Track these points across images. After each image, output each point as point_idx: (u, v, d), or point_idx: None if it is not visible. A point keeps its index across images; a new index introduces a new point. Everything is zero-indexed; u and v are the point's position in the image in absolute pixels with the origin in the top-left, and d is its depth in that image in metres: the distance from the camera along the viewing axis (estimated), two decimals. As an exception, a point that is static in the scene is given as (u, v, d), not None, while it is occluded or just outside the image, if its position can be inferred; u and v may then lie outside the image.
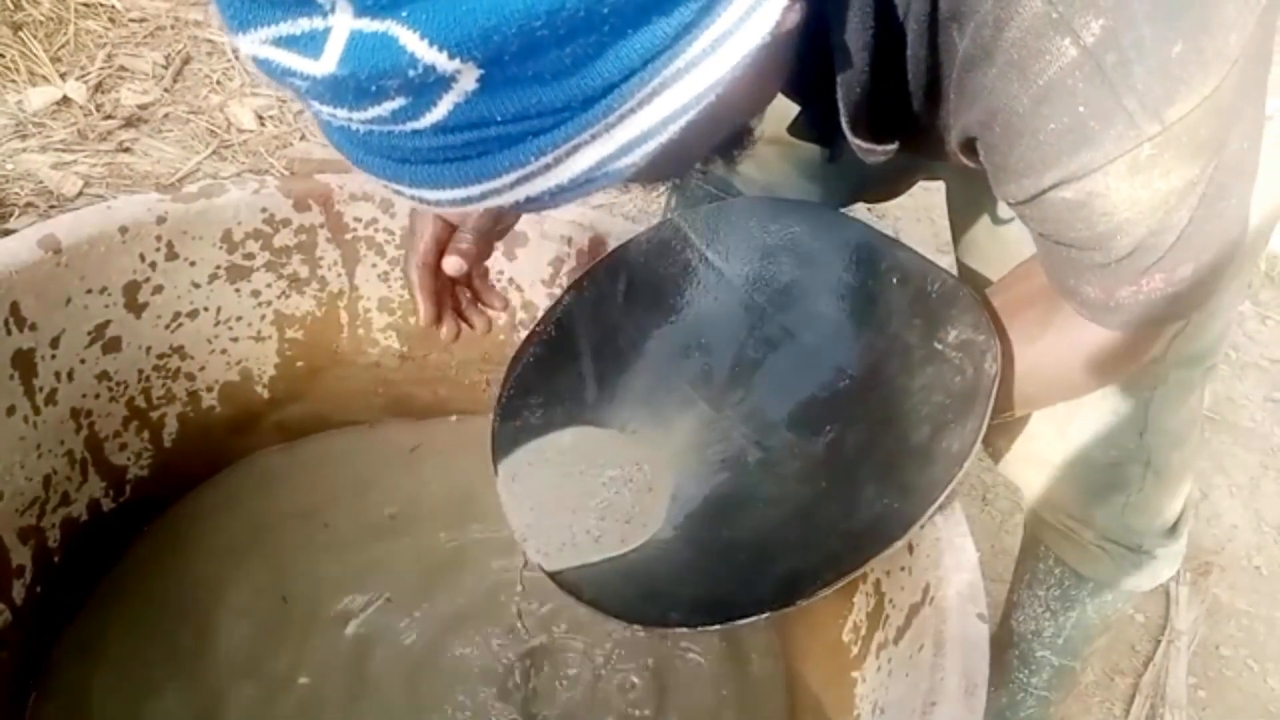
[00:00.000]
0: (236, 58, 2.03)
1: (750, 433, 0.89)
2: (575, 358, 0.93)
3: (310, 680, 0.97)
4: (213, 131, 1.87)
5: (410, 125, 0.40)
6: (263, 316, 1.11)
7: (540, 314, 0.99)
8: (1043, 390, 0.78)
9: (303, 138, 1.88)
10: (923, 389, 0.81)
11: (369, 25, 0.36)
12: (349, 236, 1.11)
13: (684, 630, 0.78)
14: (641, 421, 0.91)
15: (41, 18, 1.94)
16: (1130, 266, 0.62)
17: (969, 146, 0.64)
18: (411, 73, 0.37)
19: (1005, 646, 1.13)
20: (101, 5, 2.03)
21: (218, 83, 1.97)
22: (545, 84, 0.38)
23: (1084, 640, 1.08)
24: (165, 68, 1.97)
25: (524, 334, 1.10)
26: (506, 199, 0.43)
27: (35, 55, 1.87)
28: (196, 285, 1.05)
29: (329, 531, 1.10)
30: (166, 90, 1.93)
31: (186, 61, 2.01)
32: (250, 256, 1.07)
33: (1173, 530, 0.99)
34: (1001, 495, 1.60)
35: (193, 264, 1.03)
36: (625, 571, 0.82)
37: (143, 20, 2.05)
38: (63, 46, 1.93)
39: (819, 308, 0.90)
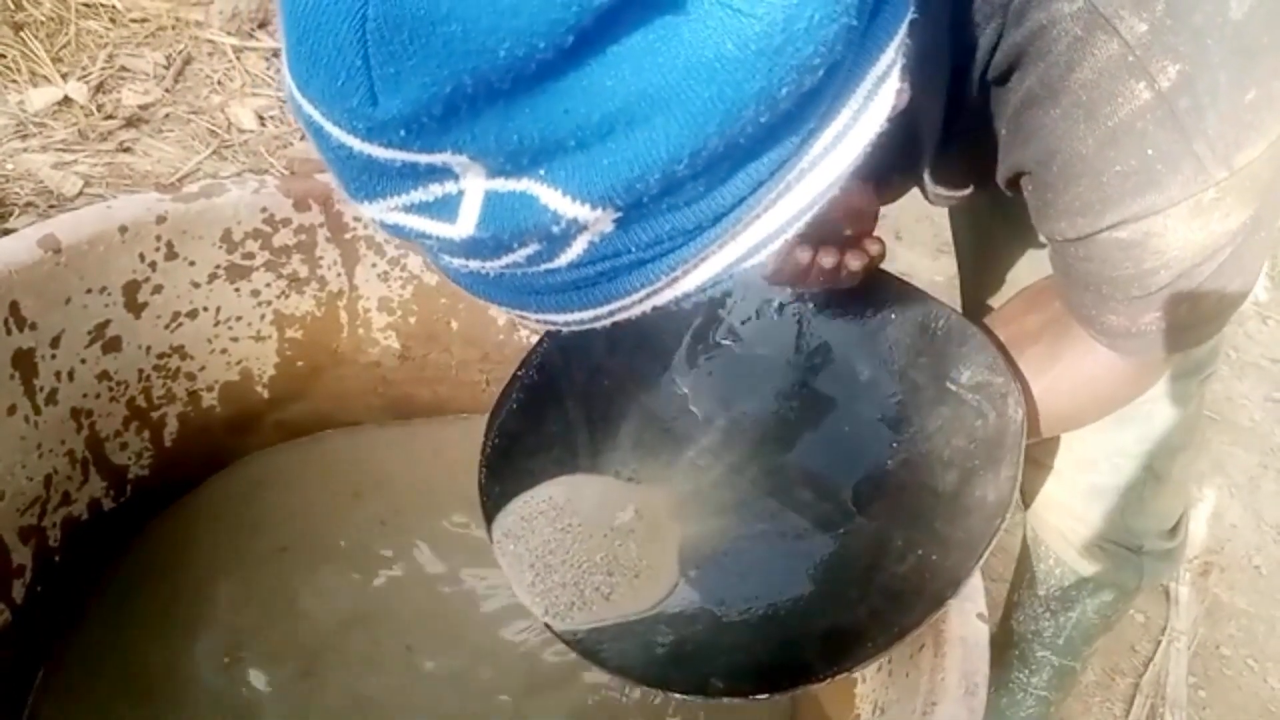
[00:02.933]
0: (238, 58, 2.02)
1: (754, 477, 0.86)
2: (560, 402, 0.89)
3: (313, 679, 0.96)
4: (213, 131, 1.87)
5: (545, 266, 0.40)
6: (262, 316, 1.10)
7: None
8: (1054, 421, 0.77)
9: (303, 138, 1.84)
10: (940, 431, 0.79)
11: (504, 185, 0.36)
12: (348, 236, 1.10)
13: (735, 701, 0.71)
14: (637, 467, 0.87)
15: (43, 18, 1.94)
16: (1160, 297, 0.62)
17: (1014, 183, 0.64)
18: (555, 228, 0.37)
19: (1005, 646, 1.12)
20: (103, 5, 2.02)
21: (219, 83, 1.97)
22: (678, 210, 0.39)
23: (1084, 640, 1.08)
24: (166, 68, 1.96)
25: (524, 333, 1.13)
26: (634, 312, 0.44)
27: (36, 55, 1.87)
28: (196, 285, 1.04)
29: (329, 531, 1.09)
30: (167, 90, 1.93)
31: (188, 62, 2.00)
32: (250, 256, 1.06)
33: (1172, 531, 0.99)
34: (1002, 495, 1.58)
35: (192, 264, 1.02)
36: (646, 633, 0.77)
37: (144, 20, 2.04)
38: (64, 46, 1.92)
39: (816, 346, 0.87)
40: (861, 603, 0.74)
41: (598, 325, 0.44)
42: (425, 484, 1.15)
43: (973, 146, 0.65)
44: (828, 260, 0.75)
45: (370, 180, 0.37)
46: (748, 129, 0.36)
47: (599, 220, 0.37)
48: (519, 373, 0.88)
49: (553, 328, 0.45)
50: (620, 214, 0.37)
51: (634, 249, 0.39)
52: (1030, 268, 0.89)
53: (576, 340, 0.88)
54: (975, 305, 0.98)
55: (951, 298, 0.97)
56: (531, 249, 0.38)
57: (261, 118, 1.92)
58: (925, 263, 1.97)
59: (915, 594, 0.71)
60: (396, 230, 0.39)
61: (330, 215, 1.08)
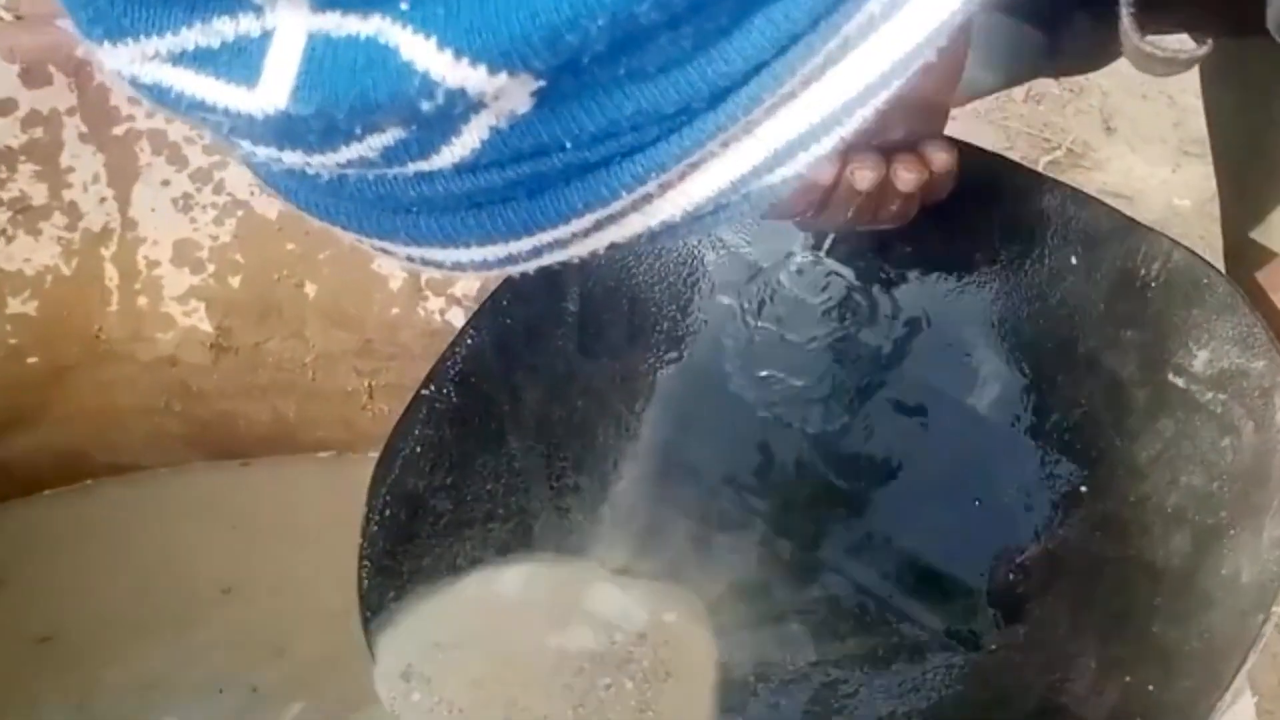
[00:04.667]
0: None
1: (825, 558, 0.74)
2: (499, 439, 0.77)
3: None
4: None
5: (415, 167, 0.27)
6: (-41, 276, 0.93)
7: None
8: None
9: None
10: (1159, 462, 0.67)
11: (339, 26, 0.24)
12: (120, 130, 0.87)
13: None
14: (633, 549, 0.77)
15: None
16: None
17: None
18: (426, 103, 0.25)
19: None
20: None
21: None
22: (647, 81, 0.26)
23: None
24: None
25: (434, 304, 0.95)
26: (574, 252, 0.30)
27: None
28: None
29: (59, 652, 0.88)
30: None
31: None
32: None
33: None
34: None
35: None
36: None
37: None
38: None
39: (939, 318, 0.75)
40: None
41: (513, 270, 0.30)
42: (271, 580, 0.92)
43: None
44: (863, 177, 0.62)
45: (115, 4, 0.26)
46: None
47: (505, 92, 0.25)
48: (426, 391, 0.77)
49: (437, 270, 0.31)
50: (542, 83, 0.25)
51: (569, 144, 0.27)
52: None
53: (525, 333, 0.79)
54: (1243, 248, 0.80)
55: (1205, 234, 0.82)
56: (389, 136, 0.26)
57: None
58: (1159, 174, 1.60)
59: None
60: (158, 95, 0.27)
61: (87, 95, 0.86)
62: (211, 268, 0.94)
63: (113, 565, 0.92)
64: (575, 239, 0.31)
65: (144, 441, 0.98)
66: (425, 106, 0.26)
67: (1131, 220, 0.69)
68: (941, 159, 0.63)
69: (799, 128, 0.30)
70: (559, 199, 0.30)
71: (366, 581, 0.73)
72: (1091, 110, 1.64)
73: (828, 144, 0.31)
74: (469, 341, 0.77)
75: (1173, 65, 0.62)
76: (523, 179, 0.29)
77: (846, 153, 0.62)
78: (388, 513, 0.74)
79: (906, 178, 0.63)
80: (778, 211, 0.66)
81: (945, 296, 0.75)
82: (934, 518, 0.74)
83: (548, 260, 0.32)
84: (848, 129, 0.31)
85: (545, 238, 0.31)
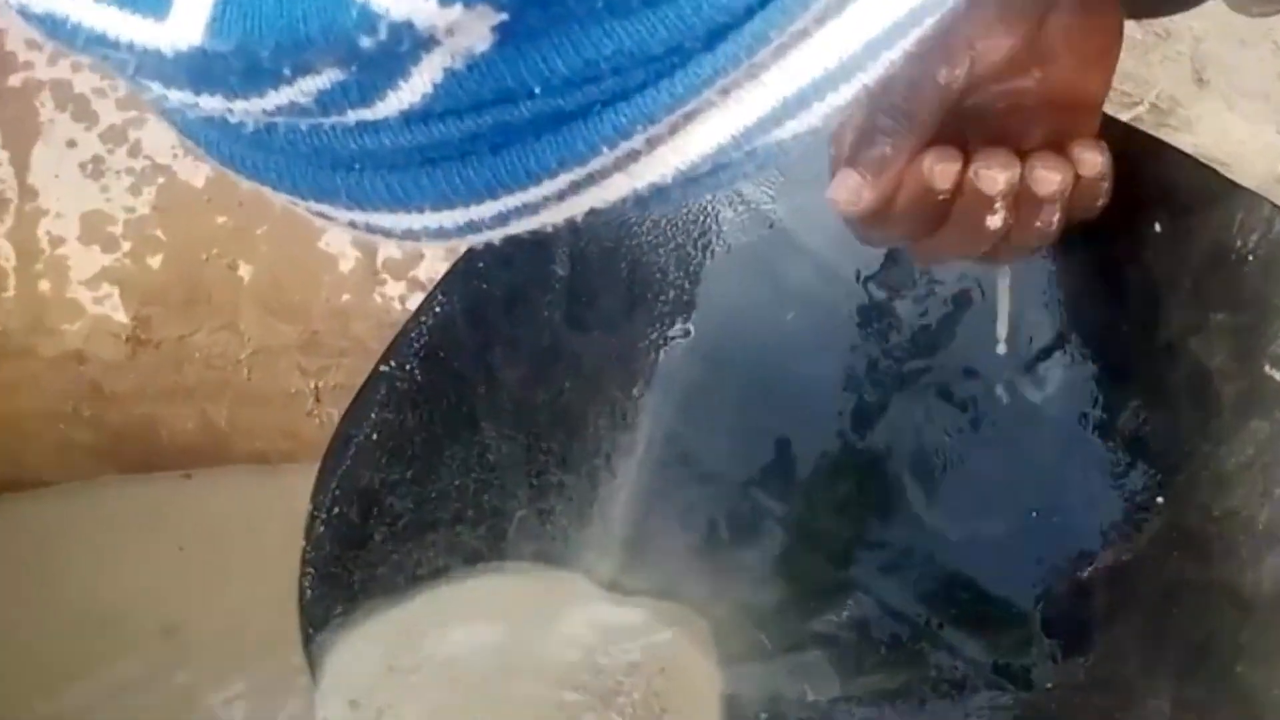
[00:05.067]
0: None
1: (856, 578, 0.72)
2: (471, 425, 0.74)
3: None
4: None
5: (355, 115, 0.26)
6: None
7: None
8: None
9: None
10: (1250, 470, 0.64)
11: None
12: (17, 80, 0.83)
13: None
14: (628, 557, 0.74)
15: None
16: None
17: None
18: (366, 41, 0.23)
19: None
20: None
21: None
22: (632, 15, 0.25)
23: None
24: None
25: (392, 289, 0.91)
26: (551, 216, 0.29)
27: None
28: None
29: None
30: None
31: None
32: None
33: None
34: None
35: None
36: None
37: None
38: None
39: (992, 292, 0.71)
40: None
41: (476, 240, 0.29)
42: (211, 610, 0.87)
43: None
44: (991, 179, 0.55)
45: None
46: None
47: (460, 27, 0.24)
48: (385, 368, 0.73)
49: (386, 239, 0.30)
50: (504, 16, 0.24)
51: (538, 89, 0.26)
52: None
53: (501, 295, 0.75)
54: None
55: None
56: (324, 79, 0.25)
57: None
58: (1262, 135, 1.59)
59: None
60: (51, 27, 0.25)
61: (-23, 40, 0.81)
62: (127, 245, 0.86)
63: (20, 593, 0.85)
64: (548, 203, 0.29)
65: (47, 453, 0.91)
66: (365, 43, 0.24)
67: (1228, 181, 0.64)
68: (1092, 160, 0.56)
69: (813, 72, 0.28)
70: (527, 155, 0.28)
71: (310, 592, 0.68)
72: (1180, 58, 1.62)
73: (847, 93, 0.29)
74: (437, 310, 0.72)
75: (1272, 2, 0.56)
76: (484, 131, 0.28)
77: (968, 145, 0.56)
78: (336, 511, 0.70)
79: (1047, 177, 0.55)
80: (884, 236, 0.60)
81: (1001, 266, 0.68)
82: (982, 530, 0.69)
83: (516, 228, 0.30)
84: (871, 75, 0.29)
85: (512, 201, 0.29)
